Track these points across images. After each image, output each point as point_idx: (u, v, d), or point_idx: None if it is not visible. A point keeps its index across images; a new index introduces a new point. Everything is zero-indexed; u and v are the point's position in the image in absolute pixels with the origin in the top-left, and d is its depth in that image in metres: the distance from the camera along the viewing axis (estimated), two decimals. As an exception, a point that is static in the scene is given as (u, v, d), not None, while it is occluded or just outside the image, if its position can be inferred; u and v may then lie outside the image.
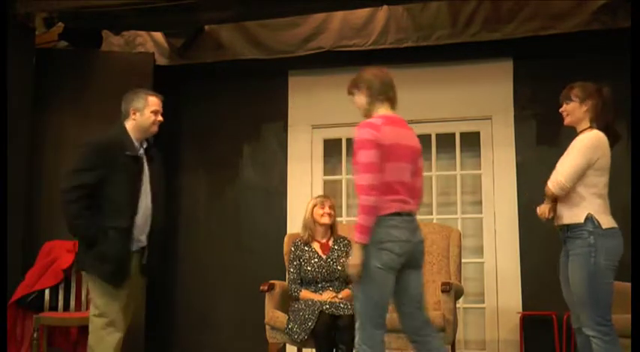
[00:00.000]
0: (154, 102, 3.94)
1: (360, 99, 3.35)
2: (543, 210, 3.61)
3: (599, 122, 3.57)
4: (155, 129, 3.96)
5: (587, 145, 3.47)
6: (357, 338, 3.23)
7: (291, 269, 4.70)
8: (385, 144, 3.15)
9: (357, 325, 3.24)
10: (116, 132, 3.90)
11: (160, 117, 3.96)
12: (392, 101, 3.35)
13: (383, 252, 3.13)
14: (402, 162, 3.22)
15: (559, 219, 3.56)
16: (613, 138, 3.57)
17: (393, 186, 3.17)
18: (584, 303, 3.42)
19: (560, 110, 3.65)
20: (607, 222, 3.44)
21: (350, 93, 3.40)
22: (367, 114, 3.33)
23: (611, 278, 3.43)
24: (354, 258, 3.15)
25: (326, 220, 4.75)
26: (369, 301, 3.19)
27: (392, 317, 4.39)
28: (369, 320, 3.19)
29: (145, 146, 3.95)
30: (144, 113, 3.90)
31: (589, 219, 3.42)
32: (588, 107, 3.57)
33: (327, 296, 4.50)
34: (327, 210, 4.75)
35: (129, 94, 3.97)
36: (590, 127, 3.57)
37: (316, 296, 4.51)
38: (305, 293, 4.58)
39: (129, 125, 3.92)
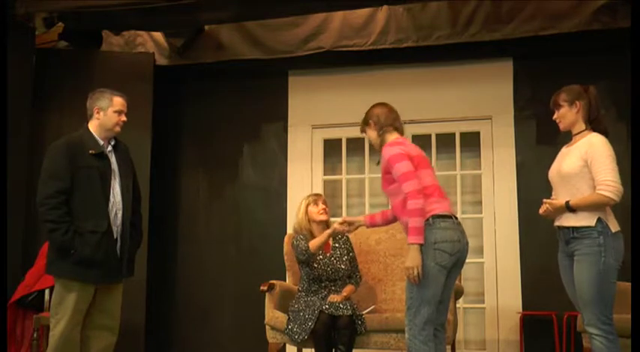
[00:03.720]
0: (118, 102, 3.93)
1: (371, 133, 3.69)
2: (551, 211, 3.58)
3: (594, 123, 3.56)
4: (118, 129, 3.95)
5: (608, 149, 3.44)
6: (407, 335, 3.41)
7: (303, 242, 4.56)
8: (413, 155, 3.50)
9: (406, 321, 3.42)
10: (78, 133, 3.91)
11: (123, 118, 3.94)
12: (399, 130, 3.67)
13: (437, 252, 3.36)
14: (429, 169, 3.56)
15: (563, 220, 3.54)
16: (604, 135, 3.56)
17: (431, 189, 3.46)
18: (590, 302, 3.41)
19: (554, 118, 3.66)
20: (614, 225, 3.45)
21: (362, 131, 3.76)
22: (381, 144, 3.63)
23: (616, 278, 3.44)
24: (413, 260, 3.33)
25: (323, 217, 4.73)
26: (423, 298, 3.37)
27: (393, 316, 4.43)
28: (421, 316, 3.36)
29: (112, 143, 3.96)
30: (107, 113, 3.90)
31: (599, 221, 3.41)
32: (579, 108, 3.57)
33: (336, 298, 4.47)
34: (321, 206, 4.75)
35: (94, 93, 3.97)
36: (587, 129, 3.56)
37: (324, 236, 4.46)
38: (315, 241, 4.51)
39: (92, 124, 3.92)
